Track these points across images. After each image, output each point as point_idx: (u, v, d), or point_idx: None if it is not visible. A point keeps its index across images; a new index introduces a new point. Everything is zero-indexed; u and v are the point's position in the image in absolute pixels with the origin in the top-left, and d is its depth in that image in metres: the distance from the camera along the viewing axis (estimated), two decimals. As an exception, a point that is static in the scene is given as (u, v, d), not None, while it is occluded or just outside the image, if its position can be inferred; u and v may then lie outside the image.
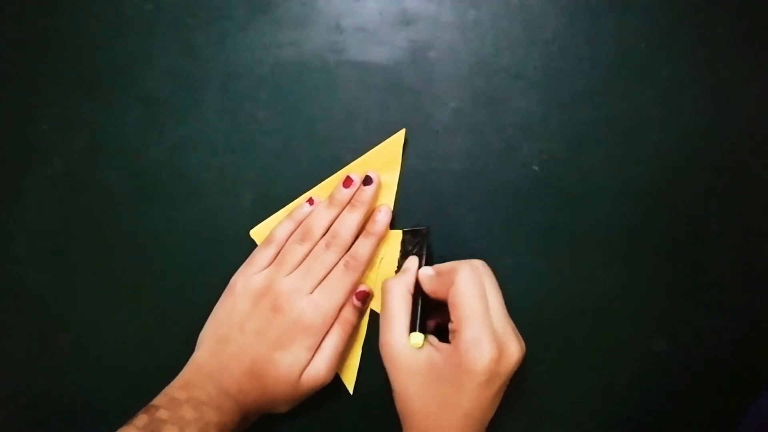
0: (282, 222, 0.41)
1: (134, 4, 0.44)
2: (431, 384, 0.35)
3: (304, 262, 0.40)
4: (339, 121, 0.43)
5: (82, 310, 0.44)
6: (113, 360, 0.44)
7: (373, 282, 0.42)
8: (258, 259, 0.40)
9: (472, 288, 0.36)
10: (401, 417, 0.37)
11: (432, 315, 0.40)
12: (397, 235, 0.42)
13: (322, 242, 0.40)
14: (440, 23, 0.43)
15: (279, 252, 0.41)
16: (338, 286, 0.39)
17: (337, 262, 0.40)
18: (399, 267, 0.42)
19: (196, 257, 0.44)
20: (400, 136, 0.42)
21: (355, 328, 0.41)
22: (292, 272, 0.39)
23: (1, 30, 0.45)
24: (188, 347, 0.40)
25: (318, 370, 0.39)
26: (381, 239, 0.41)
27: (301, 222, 0.41)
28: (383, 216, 0.41)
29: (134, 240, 0.44)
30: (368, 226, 0.41)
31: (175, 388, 0.37)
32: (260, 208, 0.43)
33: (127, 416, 0.38)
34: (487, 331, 0.34)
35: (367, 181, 0.41)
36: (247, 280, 0.40)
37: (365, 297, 0.41)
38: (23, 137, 0.44)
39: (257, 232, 0.43)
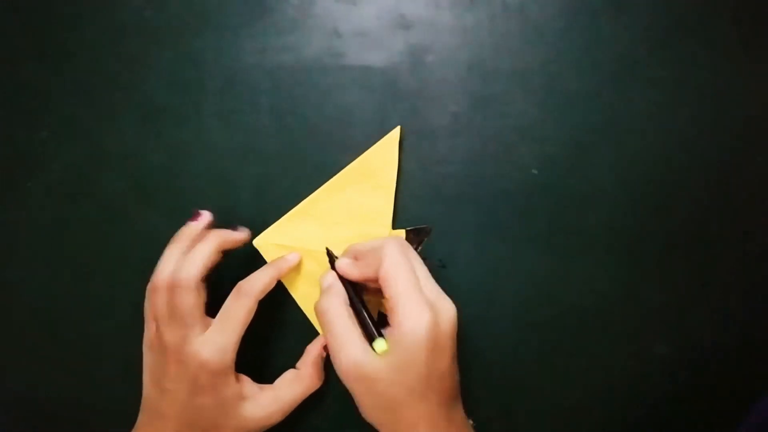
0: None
1: (133, 10, 0.44)
2: (394, 379, 0.34)
3: (168, 307, 0.37)
4: (338, 126, 0.43)
5: (82, 314, 0.44)
6: (113, 363, 0.44)
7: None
8: (146, 315, 0.39)
9: (402, 263, 0.35)
10: (378, 426, 0.36)
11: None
12: (399, 234, 0.42)
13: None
14: (438, 27, 0.43)
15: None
16: (230, 315, 0.38)
17: (194, 301, 0.37)
18: None
19: (196, 262, 0.44)
20: (395, 134, 0.42)
21: None
22: (170, 321, 0.37)
23: (0, 37, 0.45)
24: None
25: (260, 409, 0.38)
26: (281, 274, 0.40)
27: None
28: (293, 257, 0.41)
29: (134, 245, 0.44)
30: (275, 261, 0.41)
31: None
32: (260, 213, 0.43)
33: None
34: (420, 300, 0.34)
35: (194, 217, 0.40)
36: (144, 338, 0.39)
37: None
38: (23, 144, 0.45)
39: (260, 242, 0.43)
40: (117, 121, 0.44)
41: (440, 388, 0.35)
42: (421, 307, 0.34)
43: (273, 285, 0.39)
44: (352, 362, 0.34)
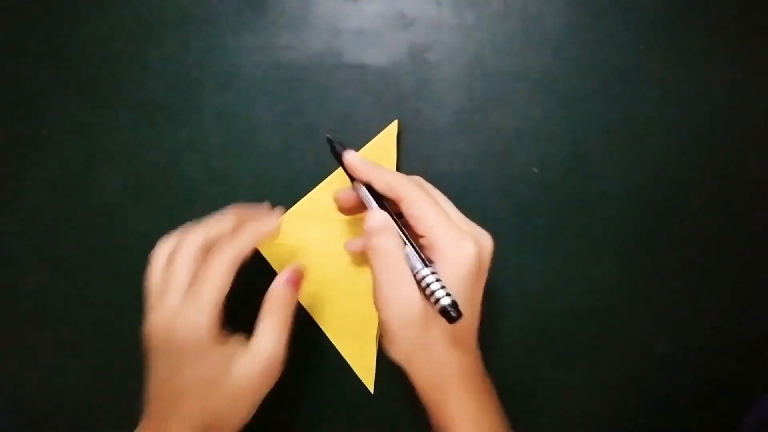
0: None
1: (132, 9, 0.44)
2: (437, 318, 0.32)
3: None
4: (337, 124, 0.43)
5: (80, 313, 0.44)
6: (111, 362, 0.44)
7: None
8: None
9: (425, 197, 0.34)
10: (407, 365, 0.34)
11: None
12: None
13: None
14: (439, 26, 0.43)
15: None
16: (205, 283, 0.35)
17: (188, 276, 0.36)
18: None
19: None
20: (393, 127, 0.42)
21: (367, 326, 0.41)
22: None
23: (0, 36, 0.45)
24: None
25: (250, 364, 0.34)
26: (262, 237, 0.37)
27: None
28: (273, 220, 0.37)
29: (133, 243, 0.44)
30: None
31: None
32: (259, 212, 0.43)
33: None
34: (460, 233, 0.33)
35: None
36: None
37: (298, 279, 0.37)
38: (22, 143, 0.44)
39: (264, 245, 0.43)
40: (116, 119, 0.44)
41: (475, 324, 0.35)
42: (465, 239, 0.33)
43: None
44: (410, 303, 0.33)
